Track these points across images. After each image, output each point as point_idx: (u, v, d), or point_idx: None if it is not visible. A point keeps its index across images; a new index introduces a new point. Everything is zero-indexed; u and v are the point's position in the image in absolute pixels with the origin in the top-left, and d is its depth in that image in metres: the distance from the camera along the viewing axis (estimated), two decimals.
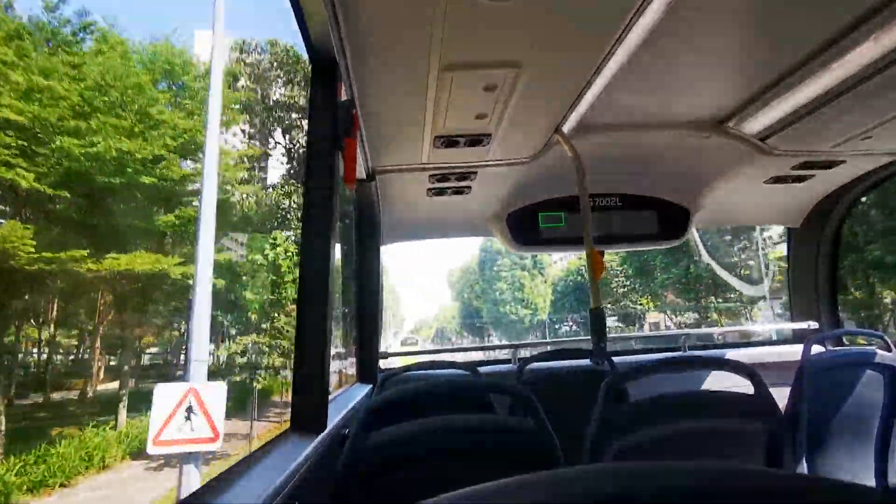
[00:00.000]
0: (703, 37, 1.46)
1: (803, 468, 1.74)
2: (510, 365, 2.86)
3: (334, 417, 1.38)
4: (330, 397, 2.19)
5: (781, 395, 1.90)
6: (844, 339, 3.00)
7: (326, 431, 1.22)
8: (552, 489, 0.30)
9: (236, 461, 0.97)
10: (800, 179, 2.55)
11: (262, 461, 0.96)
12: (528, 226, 2.69)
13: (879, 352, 1.87)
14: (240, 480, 0.86)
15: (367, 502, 0.96)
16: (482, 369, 2.84)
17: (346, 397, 2.09)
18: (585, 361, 2.52)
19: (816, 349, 2.16)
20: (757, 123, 2.00)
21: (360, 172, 2.14)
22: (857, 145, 2.18)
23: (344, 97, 1.43)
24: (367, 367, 2.70)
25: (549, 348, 2.85)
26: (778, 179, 2.53)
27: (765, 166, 2.36)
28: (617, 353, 3.06)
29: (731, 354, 2.97)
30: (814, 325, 3.01)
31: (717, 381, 2.67)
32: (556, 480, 0.31)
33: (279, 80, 19.14)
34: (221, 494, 0.79)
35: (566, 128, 1.94)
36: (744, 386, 1.23)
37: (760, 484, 0.30)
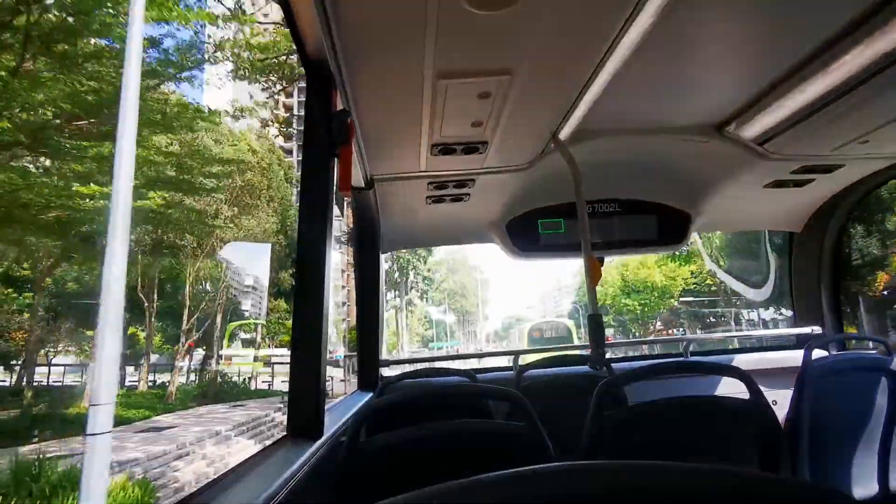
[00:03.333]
0: (700, 42, 1.46)
1: (805, 472, 1.73)
2: (510, 372, 2.85)
3: (333, 425, 1.38)
4: (331, 405, 2.19)
5: (786, 400, 1.89)
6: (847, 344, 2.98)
7: (323, 438, 1.23)
8: (511, 488, 0.31)
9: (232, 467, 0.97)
10: (799, 184, 2.54)
11: (258, 467, 0.96)
12: (527, 233, 2.70)
13: (881, 357, 1.86)
14: (234, 486, 0.86)
15: None
16: (482, 376, 2.83)
17: (346, 405, 2.09)
18: (584, 368, 2.52)
19: (819, 353, 2.15)
20: (755, 128, 2.00)
21: (359, 181, 2.15)
22: (856, 149, 2.18)
23: (340, 106, 1.44)
24: (368, 375, 2.71)
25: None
26: (777, 184, 2.52)
27: (764, 171, 2.36)
28: (616, 360, 3.05)
29: (736, 360, 2.96)
30: (817, 329, 2.99)
31: (720, 387, 2.65)
32: (519, 478, 0.31)
33: None
34: (214, 500, 0.80)
35: (563, 134, 1.95)
36: (744, 392, 1.23)
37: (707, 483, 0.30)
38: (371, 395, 2.45)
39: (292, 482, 0.93)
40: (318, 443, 1.17)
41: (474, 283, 53.87)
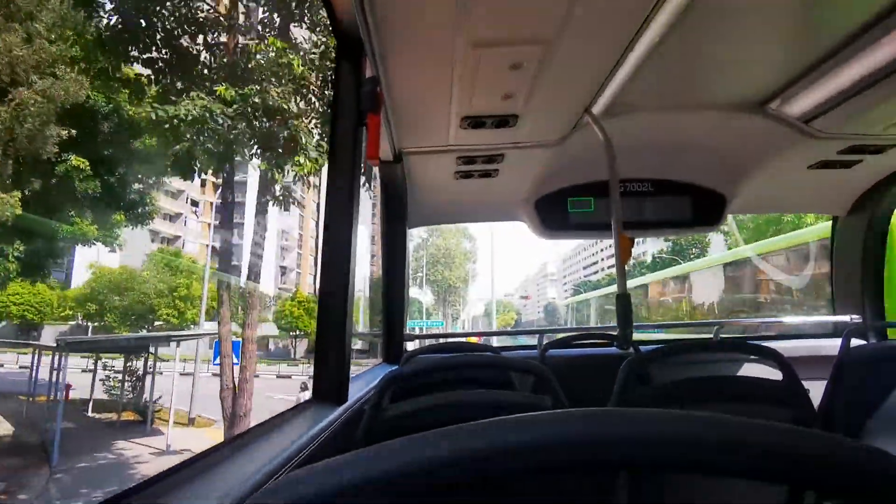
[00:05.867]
0: (744, 12, 1.38)
1: None
2: (535, 351, 2.85)
3: (357, 393, 1.41)
4: (354, 374, 2.24)
5: (819, 390, 1.83)
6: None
7: (347, 404, 1.25)
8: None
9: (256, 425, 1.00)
10: (847, 165, 2.41)
11: (282, 427, 0.99)
12: (556, 211, 2.65)
13: None
14: (257, 443, 0.88)
15: None
16: (506, 354, 2.84)
17: (370, 375, 2.13)
18: (610, 348, 2.49)
19: (857, 343, 2.07)
20: (802, 105, 1.90)
21: (387, 154, 2.14)
22: None
23: (370, 74, 1.43)
24: (393, 348, 2.74)
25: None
26: (823, 164, 2.40)
27: (809, 150, 2.25)
28: (643, 342, 3.02)
29: (768, 346, 2.88)
30: (856, 318, 2.88)
31: (748, 372, 2.59)
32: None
33: None
34: (239, 453, 0.82)
35: (596, 109, 1.90)
36: (776, 376, 1.19)
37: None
38: (395, 367, 2.49)
39: (314, 444, 0.95)
40: (342, 408, 1.19)
41: (464, 251, 42.99)
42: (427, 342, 3.27)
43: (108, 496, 0.61)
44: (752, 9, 1.36)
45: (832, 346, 2.79)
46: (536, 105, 1.83)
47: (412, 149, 2.18)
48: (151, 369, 15.57)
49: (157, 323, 26.53)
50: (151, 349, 16.09)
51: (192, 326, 25.95)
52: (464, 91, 1.70)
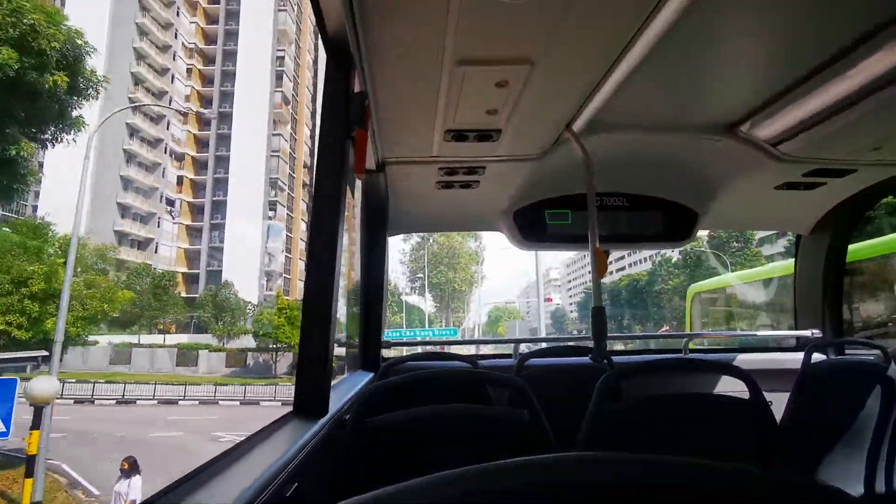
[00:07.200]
0: (719, 40, 1.46)
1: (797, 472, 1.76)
2: (511, 360, 2.89)
3: (336, 403, 1.41)
4: (333, 383, 2.23)
5: (782, 402, 1.92)
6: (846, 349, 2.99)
7: (328, 416, 1.25)
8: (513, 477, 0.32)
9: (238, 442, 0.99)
10: (810, 187, 2.53)
11: (264, 443, 0.98)
12: (534, 223, 2.70)
13: (878, 363, 1.88)
14: (240, 461, 0.88)
15: (366, 485, 0.99)
16: (483, 363, 2.86)
17: (348, 384, 2.12)
18: (585, 359, 2.54)
19: (818, 357, 2.17)
20: (769, 129, 1.99)
21: (370, 163, 2.15)
22: (870, 155, 2.17)
23: (358, 88, 1.44)
24: (370, 356, 2.74)
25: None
26: (788, 186, 2.51)
27: (775, 172, 2.35)
28: (616, 353, 3.09)
29: (735, 359, 2.98)
30: (817, 333, 3.01)
31: (718, 385, 2.68)
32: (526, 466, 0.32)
33: None
34: (222, 473, 0.82)
35: (577, 126, 1.95)
36: (743, 391, 1.25)
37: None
38: (372, 375, 2.48)
39: (298, 458, 0.95)
40: (323, 420, 1.19)
41: (469, 252, 38.55)
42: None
43: None
44: (727, 37, 1.43)
45: (795, 359, 2.91)
46: (519, 121, 1.87)
47: (395, 159, 2.20)
48: None
49: None
50: None
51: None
52: (449, 106, 1.73)
